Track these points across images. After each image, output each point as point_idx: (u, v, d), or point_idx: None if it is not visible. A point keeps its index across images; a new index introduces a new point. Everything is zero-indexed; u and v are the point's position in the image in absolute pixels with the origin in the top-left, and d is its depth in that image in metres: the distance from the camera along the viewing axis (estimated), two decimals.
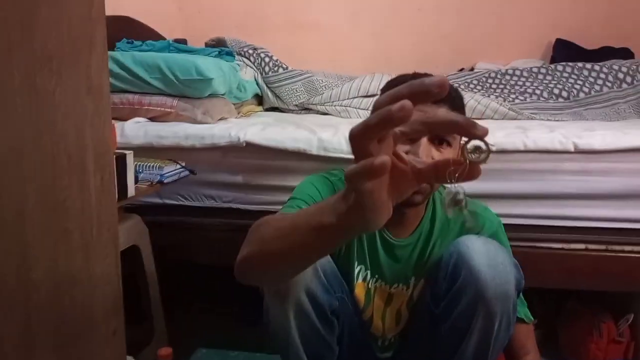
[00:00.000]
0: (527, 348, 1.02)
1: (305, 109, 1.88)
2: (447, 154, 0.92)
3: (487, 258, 0.88)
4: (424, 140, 0.89)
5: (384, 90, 0.98)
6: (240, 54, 1.90)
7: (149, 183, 1.14)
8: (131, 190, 1.03)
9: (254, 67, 1.88)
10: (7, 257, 0.69)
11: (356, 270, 1.05)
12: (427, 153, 0.89)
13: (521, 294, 0.98)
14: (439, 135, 0.90)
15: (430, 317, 0.99)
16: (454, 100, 0.94)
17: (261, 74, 1.87)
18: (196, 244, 1.44)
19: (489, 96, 1.69)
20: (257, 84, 1.88)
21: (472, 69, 2.06)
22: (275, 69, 1.87)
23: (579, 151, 1.21)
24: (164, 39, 2.00)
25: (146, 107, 1.43)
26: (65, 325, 0.81)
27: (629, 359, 1.40)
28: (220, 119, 1.53)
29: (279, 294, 0.90)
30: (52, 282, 0.78)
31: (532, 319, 1.04)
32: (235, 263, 0.73)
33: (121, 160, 0.98)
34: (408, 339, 1.06)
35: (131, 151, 1.02)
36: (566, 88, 1.67)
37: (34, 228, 0.73)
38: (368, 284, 1.05)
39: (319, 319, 0.92)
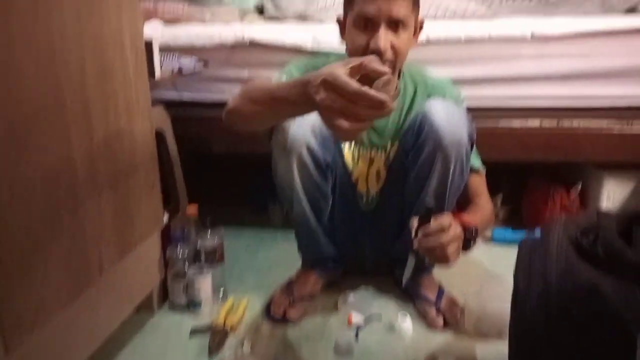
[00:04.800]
0: (479, 192, 1.26)
1: (303, 17, 2.04)
2: (404, 36, 1.12)
3: (445, 114, 1.10)
4: (382, 30, 1.08)
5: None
6: None
7: (171, 71, 1.35)
8: (158, 73, 1.24)
9: None
10: (75, 107, 0.91)
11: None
12: (385, 40, 1.09)
13: (475, 148, 1.20)
14: (394, 19, 1.09)
15: (402, 170, 1.23)
16: None
17: None
18: (209, 134, 1.64)
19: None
20: None
21: None
22: None
23: (536, 37, 1.41)
24: None
25: (160, 12, 1.62)
26: (118, 167, 1.06)
27: None
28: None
29: (285, 149, 1.13)
30: (107, 131, 1.01)
31: (484, 168, 1.28)
32: (225, 110, 1.00)
33: (149, 46, 1.18)
34: (386, 193, 1.30)
35: (157, 39, 1.23)
36: None
37: (91, 86, 0.95)
38: (353, 152, 1.29)
39: (316, 169, 1.15)
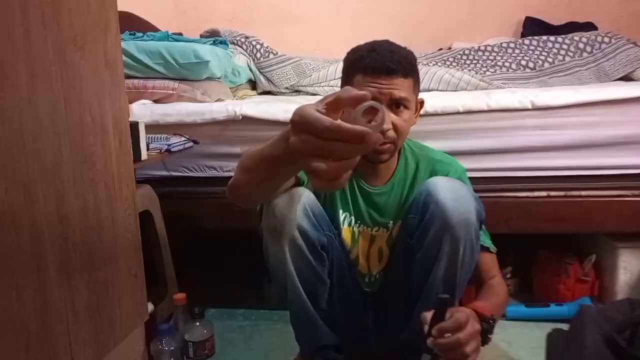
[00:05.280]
0: (492, 273, 1.17)
1: (296, 91, 2.04)
2: (405, 115, 1.09)
3: (451, 192, 1.03)
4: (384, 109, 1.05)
5: (345, 61, 1.14)
6: (233, 43, 2.06)
7: (159, 151, 1.29)
8: (144, 155, 1.18)
9: (246, 54, 2.03)
10: (49, 201, 0.83)
11: (341, 217, 1.20)
12: (387, 120, 1.05)
13: (484, 226, 1.13)
14: (395, 100, 1.06)
15: (406, 250, 1.14)
16: (405, 69, 1.08)
17: (253, 60, 2.02)
18: (201, 211, 1.58)
19: (462, 70, 1.85)
20: (250, 69, 2.04)
21: (449, 49, 2.21)
22: (267, 54, 2.02)
23: (536, 108, 1.37)
24: None
25: (150, 91, 1.58)
26: (96, 261, 0.97)
27: (595, 296, 1.55)
28: (217, 100, 1.69)
29: (276, 232, 1.05)
30: (84, 224, 0.93)
31: (495, 248, 1.19)
32: (227, 187, 0.93)
33: (134, 128, 1.13)
34: (390, 273, 1.21)
35: (143, 121, 1.17)
36: (532, 59, 1.83)
37: (68, 176, 0.88)
38: (353, 229, 1.20)
39: (310, 252, 1.06)
